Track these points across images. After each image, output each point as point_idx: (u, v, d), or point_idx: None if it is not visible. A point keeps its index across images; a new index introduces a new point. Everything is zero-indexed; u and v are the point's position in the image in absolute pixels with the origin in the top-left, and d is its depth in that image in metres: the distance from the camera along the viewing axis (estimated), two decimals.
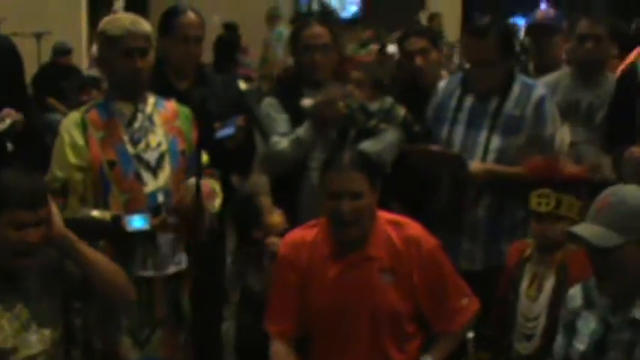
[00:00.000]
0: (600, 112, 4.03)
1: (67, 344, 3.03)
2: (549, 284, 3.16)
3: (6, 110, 3.86)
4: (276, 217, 3.58)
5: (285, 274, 3.23)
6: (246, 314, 3.71)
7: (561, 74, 4.24)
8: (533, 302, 3.18)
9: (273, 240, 3.51)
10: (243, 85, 4.43)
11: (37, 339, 2.80)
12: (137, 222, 3.19)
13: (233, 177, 3.99)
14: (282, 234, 3.46)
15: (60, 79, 8.30)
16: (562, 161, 3.32)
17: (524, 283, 3.22)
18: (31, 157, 3.85)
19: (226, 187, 3.67)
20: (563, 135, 3.74)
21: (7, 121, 3.84)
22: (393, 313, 3.14)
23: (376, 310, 3.12)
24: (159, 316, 3.35)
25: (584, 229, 2.66)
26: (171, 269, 3.36)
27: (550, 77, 4.21)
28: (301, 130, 3.67)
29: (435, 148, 3.60)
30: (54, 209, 2.82)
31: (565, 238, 3.08)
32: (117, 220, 3.20)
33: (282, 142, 3.70)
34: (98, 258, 2.93)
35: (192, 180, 3.21)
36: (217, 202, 3.43)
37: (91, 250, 2.93)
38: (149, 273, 3.31)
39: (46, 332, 2.83)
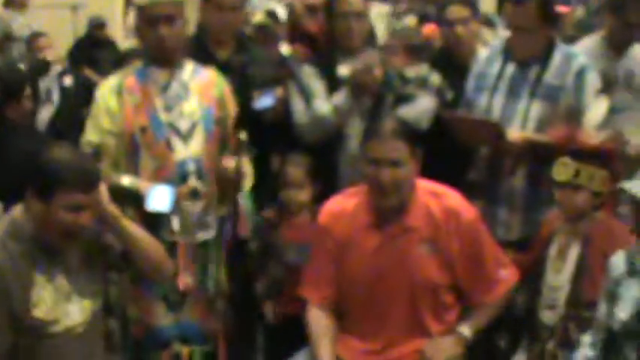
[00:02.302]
0: (636, 78, 3.99)
1: (104, 314, 3.07)
2: (574, 254, 3.13)
3: None
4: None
5: (324, 243, 3.22)
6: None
7: (594, 41, 4.20)
8: (558, 273, 3.16)
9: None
10: (285, 50, 4.37)
11: (78, 310, 2.82)
12: (157, 202, 3.20)
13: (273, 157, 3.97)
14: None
15: (95, 52, 8.38)
16: (584, 131, 3.28)
17: (552, 254, 3.20)
18: None
19: (264, 166, 3.68)
20: (600, 104, 3.68)
21: None
22: (431, 284, 3.12)
23: (414, 281, 3.11)
24: (182, 282, 3.36)
25: (634, 185, 2.63)
26: (200, 237, 3.37)
27: (583, 44, 4.17)
28: (338, 98, 3.64)
29: (473, 115, 3.58)
30: (102, 187, 2.83)
31: (588, 208, 3.08)
32: (140, 196, 3.22)
33: (324, 107, 3.66)
34: (140, 233, 2.95)
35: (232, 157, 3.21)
36: (246, 182, 3.43)
37: (134, 225, 2.95)
38: (176, 239, 3.32)
39: (87, 303, 2.85)
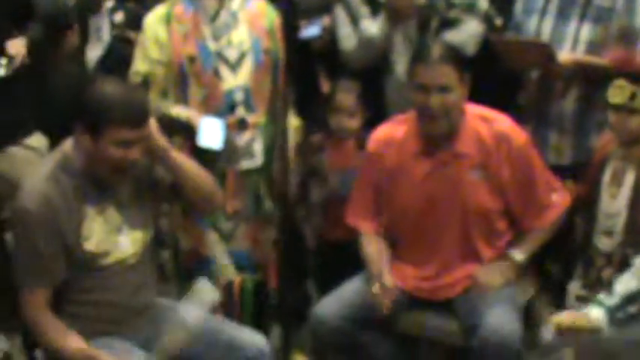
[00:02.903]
0: None
1: (156, 246, 3.09)
2: (629, 180, 3.09)
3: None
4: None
5: (373, 171, 3.22)
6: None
7: None
8: (614, 198, 3.12)
9: None
10: None
11: (129, 241, 2.83)
12: (209, 138, 3.19)
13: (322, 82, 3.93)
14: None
15: None
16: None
17: (606, 179, 3.16)
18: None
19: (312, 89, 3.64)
20: None
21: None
22: (483, 210, 3.12)
23: (466, 207, 3.10)
24: (231, 210, 3.38)
25: None
26: (245, 164, 3.38)
27: None
28: (378, 22, 3.57)
29: (523, 38, 3.51)
30: (151, 120, 2.81)
31: None
32: (190, 127, 3.22)
33: (372, 28, 3.59)
34: (189, 166, 2.94)
35: None
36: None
37: (183, 157, 2.95)
38: (221, 166, 3.32)
39: (138, 234, 2.86)
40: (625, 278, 2.86)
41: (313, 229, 3.75)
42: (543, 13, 3.53)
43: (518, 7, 3.65)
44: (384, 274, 3.10)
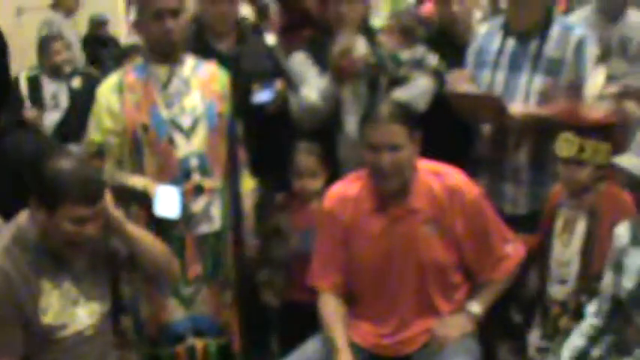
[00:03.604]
0: (633, 43, 3.97)
1: (117, 313, 3.10)
2: (581, 228, 3.12)
3: None
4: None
5: (330, 228, 3.23)
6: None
7: (587, 11, 4.17)
8: (566, 247, 3.15)
9: None
10: (271, 39, 4.33)
11: (86, 313, 2.84)
12: (166, 207, 3.20)
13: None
14: None
15: (99, 50, 8.32)
16: (586, 106, 3.25)
17: (558, 228, 3.19)
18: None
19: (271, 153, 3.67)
20: (599, 74, 3.67)
21: None
22: (439, 264, 3.12)
23: (421, 262, 3.11)
24: (191, 276, 3.37)
25: (627, 161, 2.61)
26: (204, 229, 3.38)
27: (578, 14, 4.15)
28: (323, 83, 3.59)
29: (475, 91, 3.55)
30: (107, 193, 2.82)
31: (592, 181, 3.06)
32: (146, 196, 3.23)
33: (312, 95, 3.61)
34: (144, 237, 2.96)
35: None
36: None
37: (138, 229, 2.97)
38: (179, 232, 3.32)
39: (95, 306, 2.86)
40: (572, 338, 2.88)
41: (276, 289, 3.74)
42: (495, 66, 3.59)
43: (469, 60, 3.70)
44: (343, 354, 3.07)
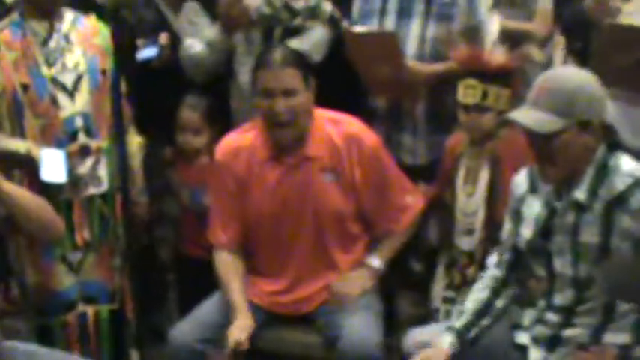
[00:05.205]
0: None
1: (6, 277, 3.04)
2: (484, 177, 3.09)
3: None
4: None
5: (223, 181, 3.14)
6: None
7: None
8: (470, 197, 3.12)
9: None
10: None
11: None
12: (51, 172, 3.09)
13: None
14: None
15: None
16: (487, 51, 3.21)
17: (461, 179, 3.15)
18: None
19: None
20: (493, 23, 3.62)
21: None
22: (336, 213, 3.07)
23: (319, 211, 3.06)
24: (80, 240, 3.27)
25: (523, 116, 2.54)
26: (91, 191, 3.27)
27: None
28: (211, 33, 3.52)
29: (366, 29, 3.43)
30: None
31: (494, 128, 3.04)
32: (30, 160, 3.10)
33: (195, 46, 3.54)
34: (22, 195, 2.85)
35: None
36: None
37: (15, 187, 2.87)
38: (65, 196, 3.21)
39: None
40: (475, 290, 2.82)
41: (168, 245, 3.68)
42: (383, 13, 3.49)
43: (355, 9, 3.60)
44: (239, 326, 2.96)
